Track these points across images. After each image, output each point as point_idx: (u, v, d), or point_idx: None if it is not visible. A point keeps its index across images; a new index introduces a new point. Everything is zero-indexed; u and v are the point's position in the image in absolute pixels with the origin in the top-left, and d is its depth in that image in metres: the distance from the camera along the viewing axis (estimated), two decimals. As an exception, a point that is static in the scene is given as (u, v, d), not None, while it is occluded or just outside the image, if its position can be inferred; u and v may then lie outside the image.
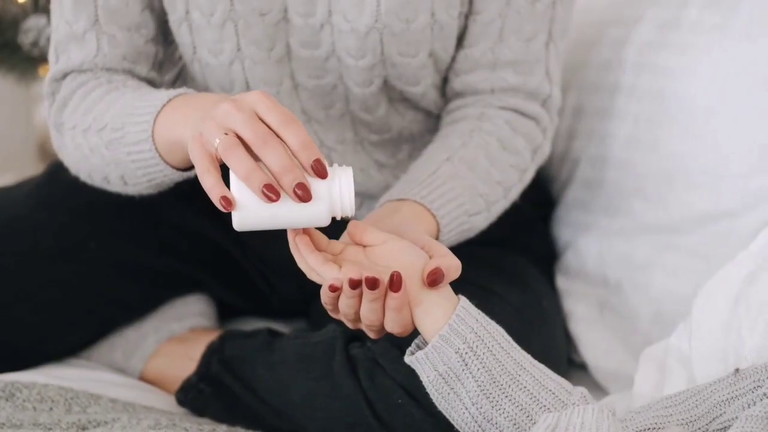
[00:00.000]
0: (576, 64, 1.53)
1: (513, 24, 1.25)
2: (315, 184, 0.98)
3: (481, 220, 1.22)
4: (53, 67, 1.26)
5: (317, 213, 0.99)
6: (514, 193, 1.26)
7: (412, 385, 1.14)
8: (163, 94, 1.11)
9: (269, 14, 1.22)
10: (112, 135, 1.15)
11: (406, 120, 1.33)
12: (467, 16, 1.26)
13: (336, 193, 0.99)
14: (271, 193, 0.96)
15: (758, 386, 0.98)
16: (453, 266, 1.02)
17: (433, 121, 1.35)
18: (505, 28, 1.25)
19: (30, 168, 2.03)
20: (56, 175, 1.40)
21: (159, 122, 1.10)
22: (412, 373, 1.12)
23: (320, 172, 0.97)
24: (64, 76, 1.25)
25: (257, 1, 1.21)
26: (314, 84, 1.27)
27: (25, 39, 1.67)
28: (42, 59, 1.69)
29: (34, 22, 1.67)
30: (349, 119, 1.32)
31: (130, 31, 1.24)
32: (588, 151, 1.50)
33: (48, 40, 1.64)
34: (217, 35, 1.23)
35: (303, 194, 0.97)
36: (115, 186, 1.21)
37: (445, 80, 1.31)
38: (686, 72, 1.38)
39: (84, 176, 1.24)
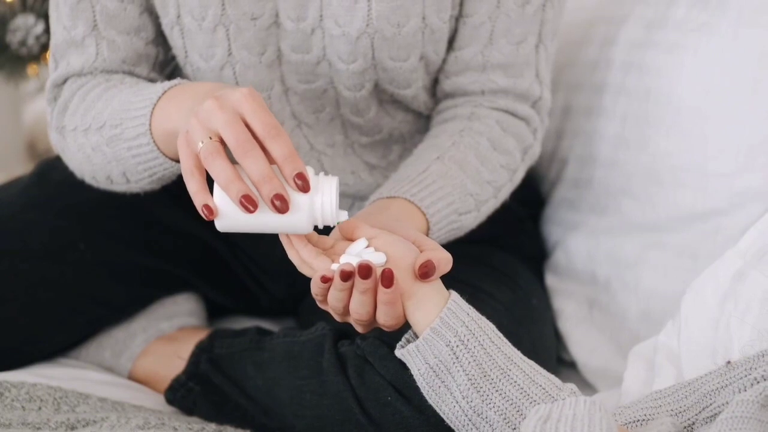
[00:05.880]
0: (564, 63, 1.54)
1: (503, 27, 1.25)
2: (297, 194, 0.98)
3: (470, 220, 1.22)
4: (53, 73, 1.26)
5: (298, 222, 1.00)
6: (504, 193, 1.26)
7: (401, 383, 1.14)
8: (158, 87, 1.12)
9: (260, 18, 1.22)
10: (111, 132, 1.15)
11: (397, 121, 1.33)
12: (457, 18, 1.26)
13: (318, 204, 1.00)
14: (248, 203, 0.97)
15: (749, 373, 0.99)
16: (444, 259, 1.03)
17: (423, 122, 1.35)
18: (495, 31, 1.26)
19: (18, 167, 2.03)
20: (45, 175, 1.40)
21: (155, 115, 1.10)
22: (401, 371, 1.12)
23: (302, 187, 0.98)
24: (65, 80, 1.25)
25: (249, 6, 1.21)
26: (304, 88, 1.27)
27: (13, 38, 1.67)
28: (30, 58, 1.68)
29: (22, 21, 1.66)
30: (340, 122, 1.31)
31: (130, 34, 1.23)
32: (576, 150, 1.50)
33: (36, 38, 1.64)
34: (209, 40, 1.22)
35: (281, 205, 0.97)
36: (118, 185, 1.21)
37: (435, 81, 1.31)
38: (673, 71, 1.39)
39: (88, 178, 1.24)
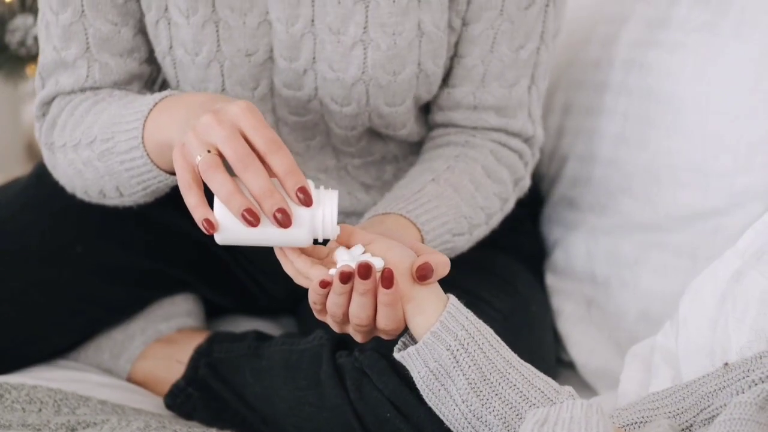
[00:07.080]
0: (565, 62, 1.53)
1: (496, 71, 1.24)
2: (297, 208, 0.98)
3: (463, 242, 1.21)
4: (40, 91, 1.25)
5: (299, 235, 0.99)
6: (495, 221, 1.26)
7: (400, 400, 1.14)
8: (149, 98, 1.11)
9: (255, 55, 1.21)
10: (102, 146, 1.14)
11: (389, 146, 1.33)
12: (452, 58, 1.25)
13: (319, 218, 0.99)
14: (251, 217, 0.96)
15: (747, 375, 0.99)
16: (441, 263, 1.02)
17: (416, 145, 1.34)
18: (488, 74, 1.25)
19: (17, 168, 2.03)
20: (43, 176, 1.39)
21: (148, 127, 1.09)
22: (399, 387, 1.12)
23: (304, 201, 0.97)
24: (53, 98, 1.24)
25: (244, 42, 1.20)
26: (295, 120, 1.26)
27: (12, 38, 1.67)
28: (29, 58, 1.68)
29: (21, 21, 1.66)
30: (331, 149, 1.31)
31: (123, 56, 1.22)
32: (576, 148, 1.50)
33: (35, 39, 1.64)
34: (202, 74, 1.21)
35: (283, 219, 0.97)
36: (111, 199, 1.20)
37: (426, 110, 1.31)
38: (675, 70, 1.38)
39: (80, 193, 1.23)
